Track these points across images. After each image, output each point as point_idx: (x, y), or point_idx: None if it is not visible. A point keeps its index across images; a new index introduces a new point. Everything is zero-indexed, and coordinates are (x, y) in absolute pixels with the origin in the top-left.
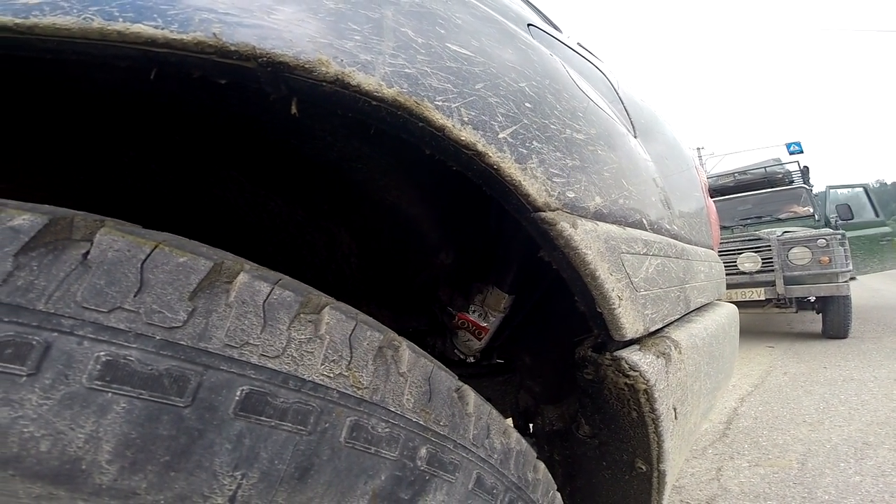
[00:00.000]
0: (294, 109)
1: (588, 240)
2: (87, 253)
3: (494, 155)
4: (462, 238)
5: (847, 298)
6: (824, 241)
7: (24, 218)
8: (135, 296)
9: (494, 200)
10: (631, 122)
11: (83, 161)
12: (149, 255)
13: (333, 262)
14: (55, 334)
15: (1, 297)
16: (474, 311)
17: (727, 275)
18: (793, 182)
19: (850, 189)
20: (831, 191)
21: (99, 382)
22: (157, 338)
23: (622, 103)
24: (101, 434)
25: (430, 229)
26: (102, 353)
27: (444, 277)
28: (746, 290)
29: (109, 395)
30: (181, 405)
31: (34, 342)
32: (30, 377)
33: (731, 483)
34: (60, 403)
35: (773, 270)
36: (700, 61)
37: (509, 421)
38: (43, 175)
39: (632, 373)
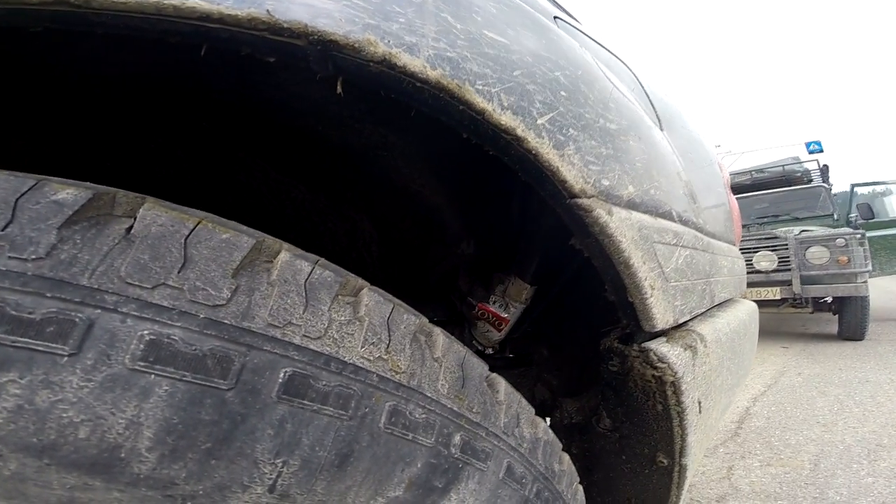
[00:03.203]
0: (339, 89)
1: (623, 228)
2: (131, 227)
3: (533, 140)
4: (484, 228)
5: (865, 299)
6: (843, 240)
7: (68, 192)
8: (178, 272)
9: (518, 191)
10: (657, 114)
11: (112, 147)
12: (192, 230)
13: (354, 250)
14: (98, 311)
15: (44, 270)
16: (495, 302)
17: None
18: (811, 181)
19: (885, 185)
20: (857, 189)
21: (142, 363)
22: (201, 316)
23: (647, 97)
24: (142, 419)
25: (452, 219)
26: (146, 332)
27: (465, 267)
28: (762, 289)
29: (152, 376)
30: (224, 388)
31: (77, 319)
32: (71, 357)
33: (742, 482)
34: (102, 386)
35: (789, 270)
36: (719, 57)
37: None
38: (71, 161)
39: (660, 364)
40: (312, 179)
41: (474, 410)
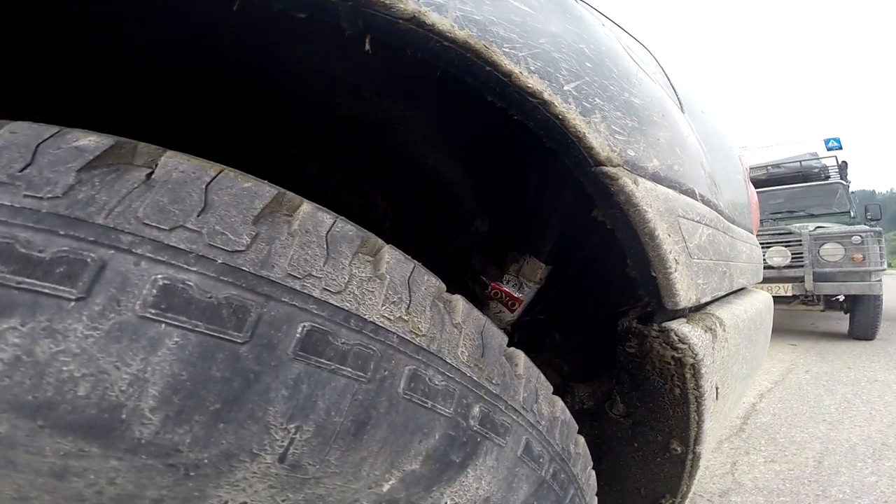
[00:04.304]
0: (367, 46)
1: (649, 198)
2: (152, 173)
3: (560, 105)
4: (499, 206)
5: (878, 298)
6: (859, 237)
7: (90, 139)
8: (198, 215)
9: (535, 166)
10: (678, 97)
11: (128, 119)
12: (214, 177)
13: (368, 226)
14: (112, 251)
15: (60, 209)
16: (508, 282)
17: None
18: (829, 177)
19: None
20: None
21: (153, 311)
22: (219, 262)
23: (668, 80)
24: (147, 375)
25: (466, 196)
26: (160, 276)
27: (478, 246)
28: (773, 284)
29: (162, 326)
30: (239, 341)
31: (89, 259)
32: (78, 302)
33: (745, 478)
34: (108, 335)
35: (802, 266)
36: (738, 52)
37: None
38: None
39: (681, 345)
40: (327, 154)
41: (494, 381)
